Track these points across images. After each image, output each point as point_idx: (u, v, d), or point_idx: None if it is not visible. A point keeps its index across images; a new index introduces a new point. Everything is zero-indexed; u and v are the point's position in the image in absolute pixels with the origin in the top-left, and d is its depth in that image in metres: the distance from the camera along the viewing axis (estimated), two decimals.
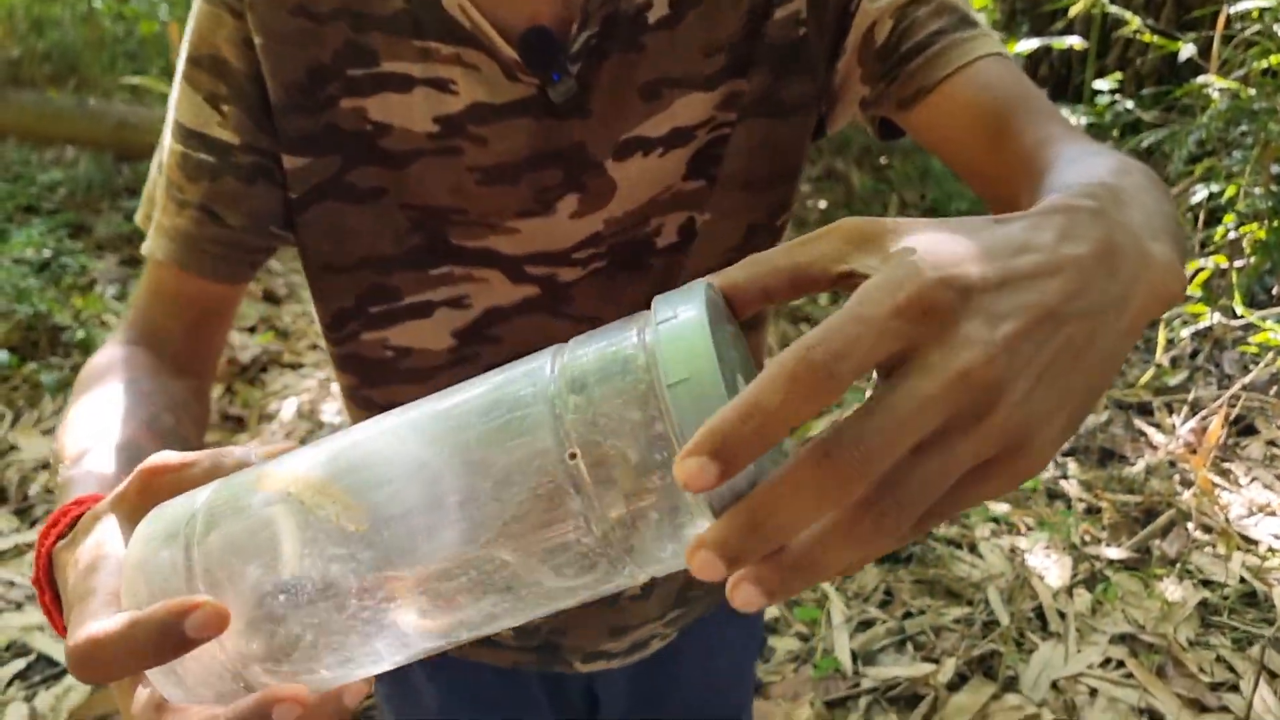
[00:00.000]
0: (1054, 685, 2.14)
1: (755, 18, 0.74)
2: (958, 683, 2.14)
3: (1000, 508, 2.67)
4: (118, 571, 0.43)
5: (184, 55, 0.74)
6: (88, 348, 3.30)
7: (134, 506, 0.46)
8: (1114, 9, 2.75)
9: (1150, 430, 2.96)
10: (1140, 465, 2.81)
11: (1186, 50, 2.62)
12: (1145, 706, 2.08)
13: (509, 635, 0.93)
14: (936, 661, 2.19)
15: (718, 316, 0.37)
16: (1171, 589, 2.39)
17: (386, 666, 0.41)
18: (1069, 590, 2.39)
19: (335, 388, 3.25)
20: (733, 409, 0.32)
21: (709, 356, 0.34)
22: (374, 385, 0.83)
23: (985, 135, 0.67)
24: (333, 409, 3.13)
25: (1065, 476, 2.80)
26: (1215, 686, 2.12)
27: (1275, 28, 2.61)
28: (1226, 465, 2.80)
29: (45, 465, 2.87)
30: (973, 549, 2.54)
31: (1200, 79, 2.65)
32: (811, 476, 0.32)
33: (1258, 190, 2.59)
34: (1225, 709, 2.06)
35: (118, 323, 0.78)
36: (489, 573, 0.38)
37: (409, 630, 0.39)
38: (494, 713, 1.00)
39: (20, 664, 2.18)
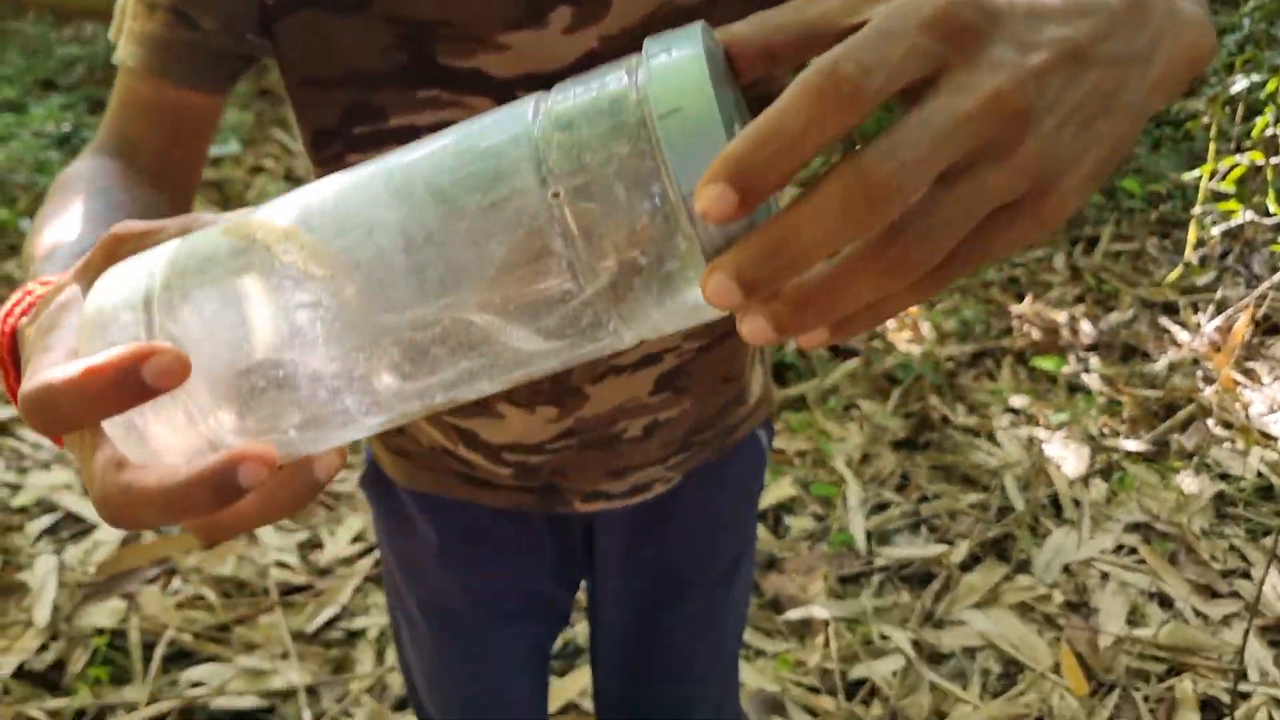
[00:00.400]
0: (1066, 569, 2.16)
1: None
2: (970, 564, 2.17)
3: (1020, 400, 2.67)
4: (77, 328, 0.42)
5: None
6: None
7: (99, 273, 0.44)
8: None
9: (1175, 328, 2.94)
10: (1163, 362, 2.80)
11: None
12: (1156, 591, 2.10)
13: (509, 476, 0.93)
14: (950, 543, 2.21)
15: (715, 66, 0.34)
16: (1188, 481, 2.40)
17: (360, 431, 0.39)
18: (1085, 480, 2.40)
19: None
20: (753, 130, 0.30)
21: (704, 88, 0.32)
22: None
23: None
24: None
25: (1087, 370, 2.79)
26: (1227, 574, 2.14)
27: None
28: (1250, 364, 2.78)
29: None
30: (990, 438, 2.54)
31: None
32: (840, 193, 0.30)
33: None
34: (1235, 594, 2.08)
35: None
36: (465, 325, 0.36)
37: (380, 389, 0.37)
38: (494, 550, 1.02)
39: (48, 520, 2.22)
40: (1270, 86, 2.71)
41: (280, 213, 0.38)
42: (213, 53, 0.72)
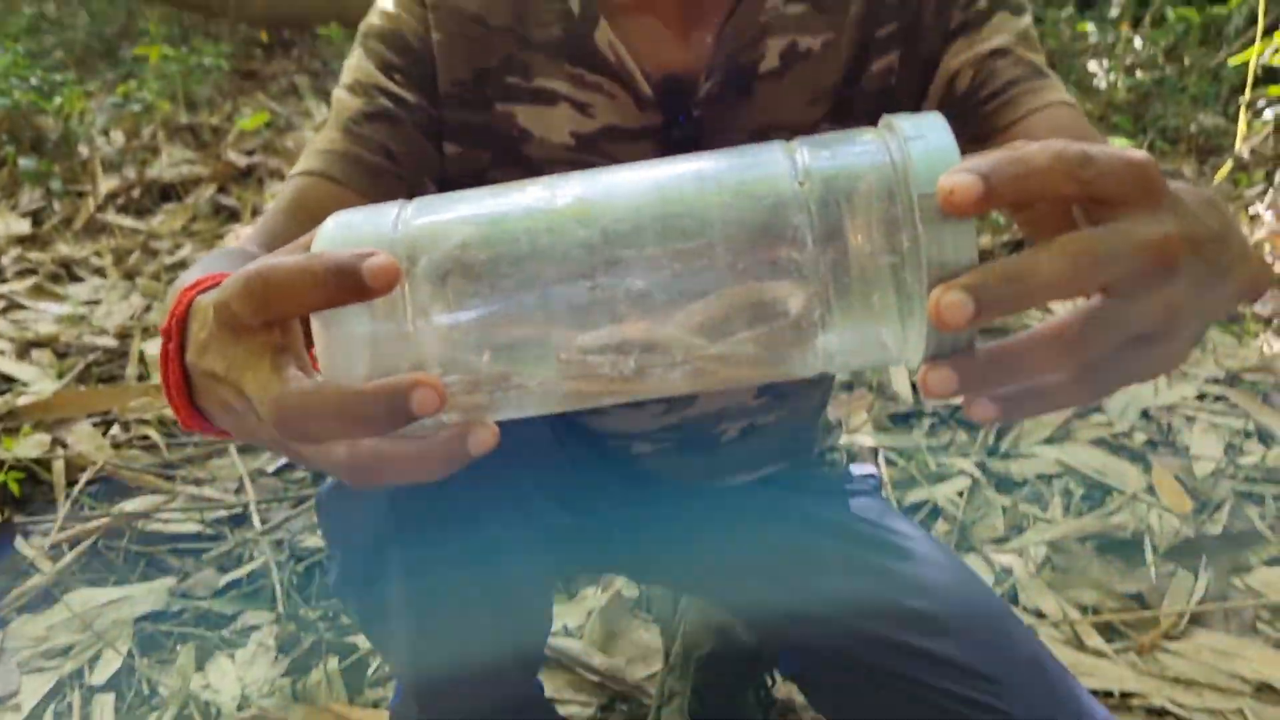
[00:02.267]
0: (1144, 414, 1.88)
1: (854, 69, 0.84)
2: None
3: None
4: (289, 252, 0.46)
5: (364, 31, 0.84)
6: None
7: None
8: None
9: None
10: None
11: None
12: (1252, 430, 1.82)
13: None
14: None
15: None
16: (1269, 343, 2.13)
17: (536, 409, 0.43)
18: None
19: None
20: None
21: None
22: None
23: None
24: None
25: None
26: None
27: None
28: None
29: None
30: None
31: None
32: (1071, 251, 0.38)
33: None
34: None
35: None
36: (693, 288, 0.39)
37: (586, 355, 0.40)
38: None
39: None
40: None
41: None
42: (397, 178, 0.80)
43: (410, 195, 0.84)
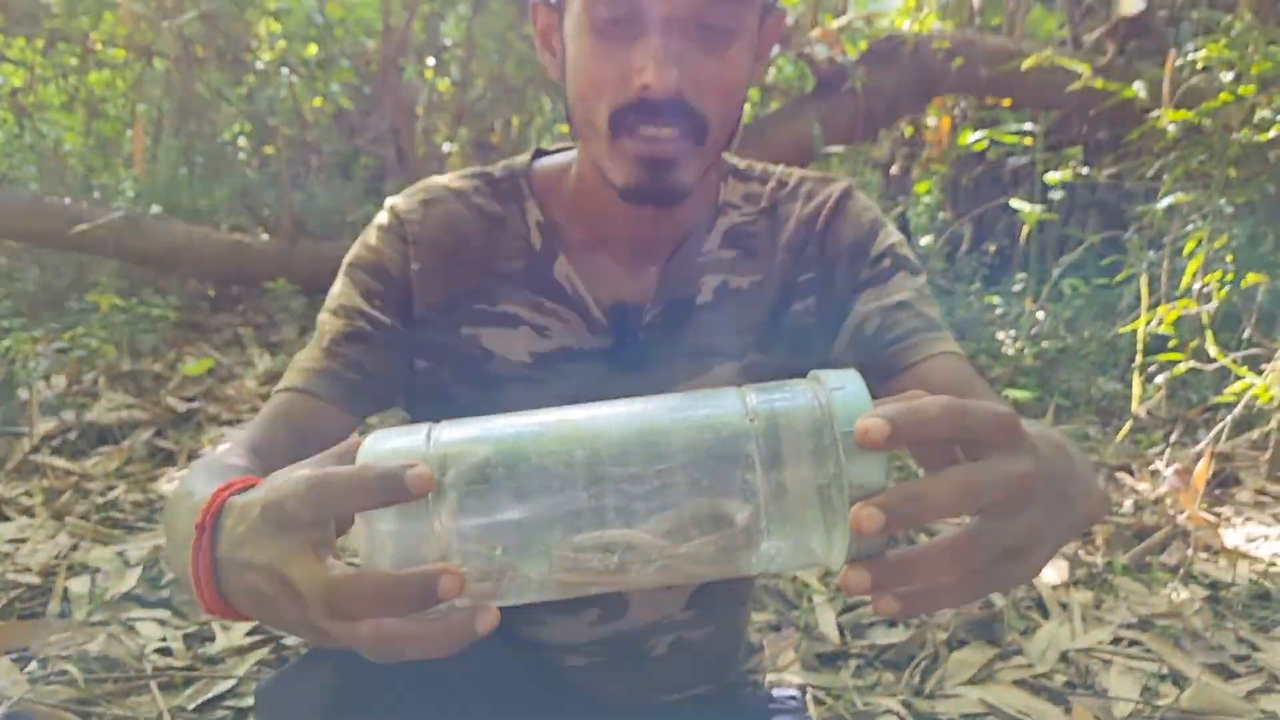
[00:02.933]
0: (1063, 657, 1.92)
1: (778, 307, 0.97)
2: (957, 646, 1.92)
3: None
4: (323, 462, 0.56)
5: (350, 261, 0.95)
6: None
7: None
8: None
9: (1132, 481, 2.84)
10: (1129, 504, 2.68)
11: (1138, 88, 2.72)
12: (1168, 673, 1.87)
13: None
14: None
15: None
16: (1177, 592, 2.21)
17: (534, 596, 0.51)
18: (1067, 587, 2.20)
19: None
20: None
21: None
22: None
23: None
24: None
25: None
26: (1241, 659, 1.92)
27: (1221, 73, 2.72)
28: (1217, 510, 2.67)
29: None
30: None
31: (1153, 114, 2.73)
32: (953, 481, 0.50)
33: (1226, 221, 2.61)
34: (1259, 670, 1.85)
35: None
36: (666, 500, 0.49)
37: (578, 553, 0.49)
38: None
39: None
40: (1191, 245, 2.80)
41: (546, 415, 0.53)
42: (371, 393, 0.91)
43: (381, 407, 0.94)
